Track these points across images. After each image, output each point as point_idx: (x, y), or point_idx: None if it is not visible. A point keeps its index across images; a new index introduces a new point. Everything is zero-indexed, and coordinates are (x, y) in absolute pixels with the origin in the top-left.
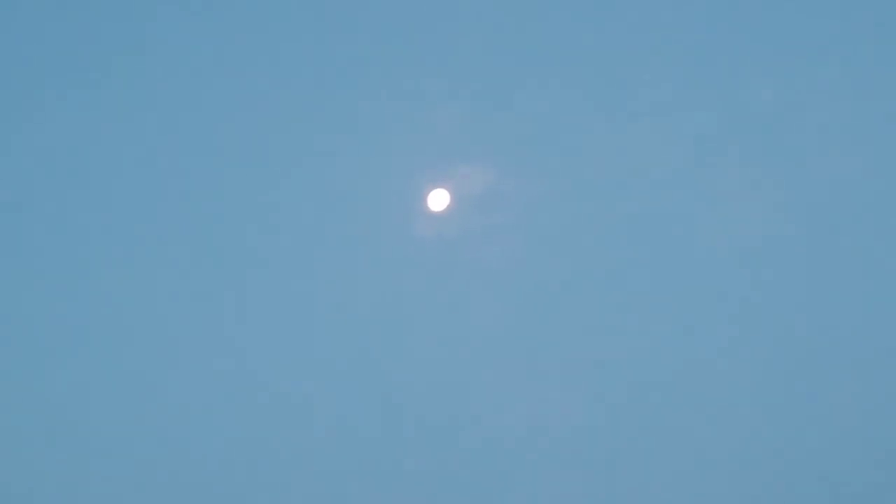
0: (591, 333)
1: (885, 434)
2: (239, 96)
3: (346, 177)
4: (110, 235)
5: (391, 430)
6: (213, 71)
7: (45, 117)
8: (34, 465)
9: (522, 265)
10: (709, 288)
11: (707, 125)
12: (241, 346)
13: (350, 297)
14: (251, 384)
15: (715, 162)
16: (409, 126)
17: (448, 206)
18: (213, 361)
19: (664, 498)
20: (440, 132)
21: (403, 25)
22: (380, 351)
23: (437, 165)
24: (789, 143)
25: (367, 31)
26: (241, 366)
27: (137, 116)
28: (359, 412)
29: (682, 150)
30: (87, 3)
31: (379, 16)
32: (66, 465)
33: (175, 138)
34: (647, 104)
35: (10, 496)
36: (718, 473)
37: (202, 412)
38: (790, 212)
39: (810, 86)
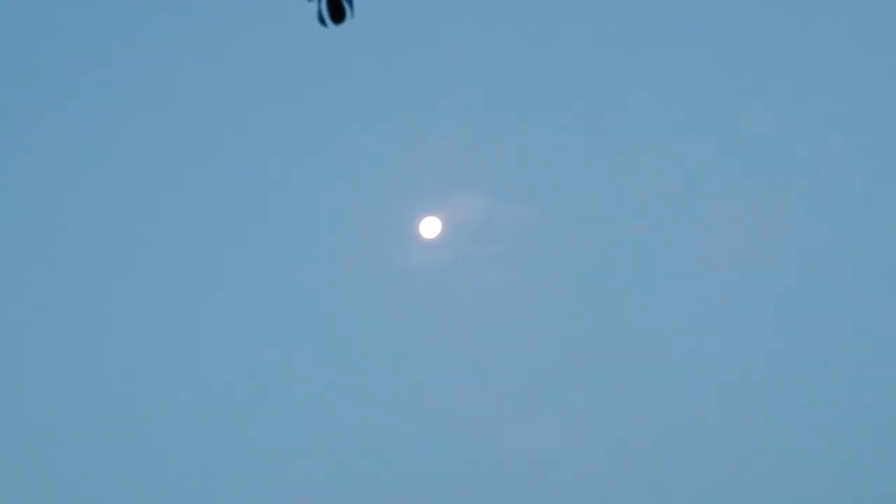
0: (583, 360)
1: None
2: (236, 124)
3: (339, 203)
4: (109, 253)
5: (382, 453)
6: (212, 97)
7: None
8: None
9: (514, 292)
10: (702, 313)
11: (702, 152)
12: (234, 368)
13: (341, 321)
14: (245, 409)
15: (709, 189)
16: (403, 154)
17: (440, 234)
18: (209, 385)
19: None
20: (433, 161)
21: (399, 58)
22: (371, 374)
23: (430, 193)
24: (786, 170)
25: (363, 65)
26: (234, 389)
27: (136, 155)
28: (350, 434)
29: (677, 178)
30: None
31: (376, 50)
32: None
33: (171, 167)
34: (641, 132)
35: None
36: (714, 485)
37: (198, 440)
38: (786, 237)
39: (807, 114)
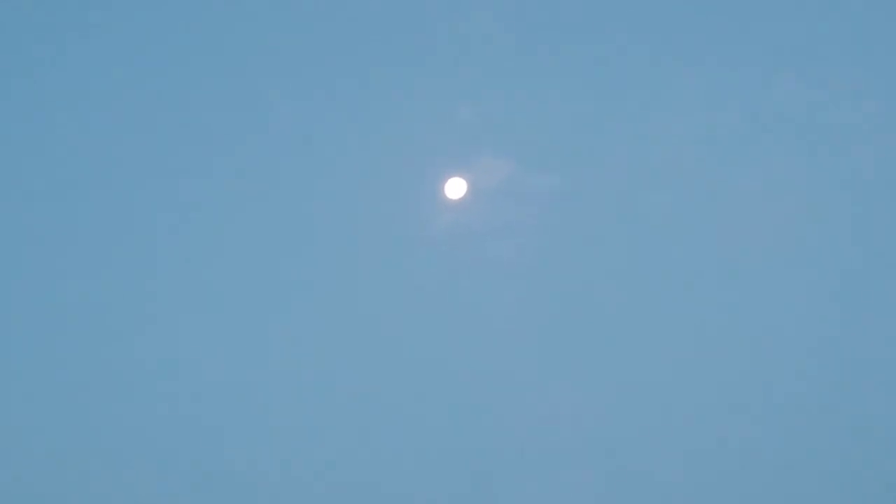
0: (607, 327)
1: None
2: (252, 88)
3: (365, 163)
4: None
5: (404, 417)
6: (236, 63)
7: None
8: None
9: (538, 256)
10: (726, 284)
11: (728, 123)
12: (256, 333)
13: (365, 283)
14: (268, 371)
15: (736, 160)
16: (429, 116)
17: (464, 196)
18: (229, 352)
19: (671, 490)
20: (460, 123)
21: (427, 19)
22: (394, 337)
23: (456, 155)
24: (811, 142)
25: (390, 25)
26: (257, 353)
27: (148, 117)
28: (372, 399)
29: (707, 147)
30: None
31: (404, 10)
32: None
33: (188, 134)
34: (668, 102)
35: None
36: (725, 465)
37: (213, 411)
38: (811, 210)
39: (832, 86)
